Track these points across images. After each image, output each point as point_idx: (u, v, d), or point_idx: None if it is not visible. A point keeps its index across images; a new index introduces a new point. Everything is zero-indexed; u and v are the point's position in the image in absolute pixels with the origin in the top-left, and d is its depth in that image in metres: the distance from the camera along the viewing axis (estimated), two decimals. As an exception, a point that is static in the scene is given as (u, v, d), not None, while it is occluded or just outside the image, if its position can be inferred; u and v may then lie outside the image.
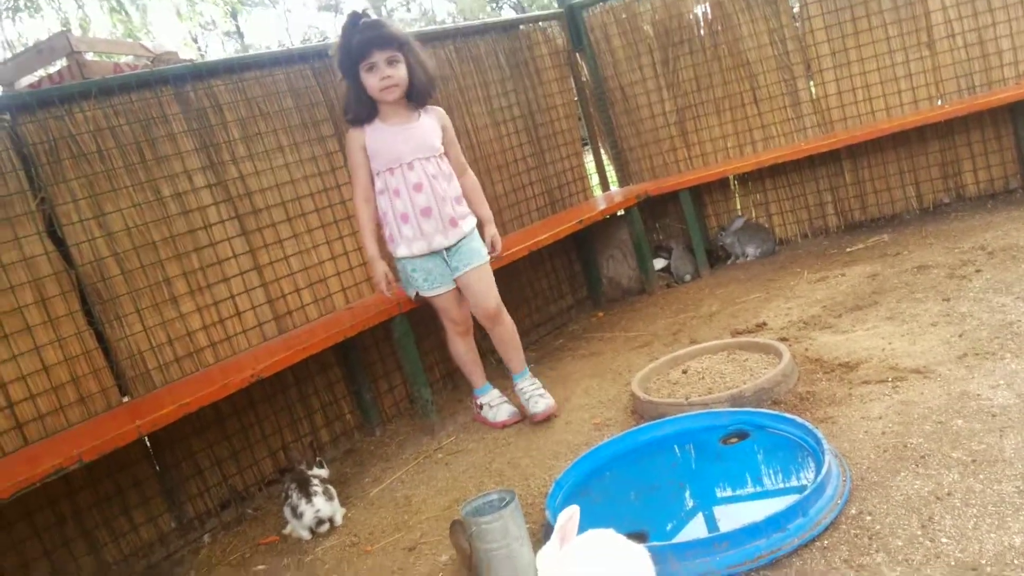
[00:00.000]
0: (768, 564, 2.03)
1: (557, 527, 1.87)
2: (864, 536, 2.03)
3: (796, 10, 5.06)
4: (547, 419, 3.35)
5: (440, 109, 3.34)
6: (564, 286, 5.12)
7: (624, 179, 5.64)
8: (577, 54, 5.46)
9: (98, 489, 3.09)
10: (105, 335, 3.19)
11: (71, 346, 3.08)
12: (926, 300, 3.54)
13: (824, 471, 2.21)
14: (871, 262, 4.35)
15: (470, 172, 3.44)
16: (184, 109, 3.46)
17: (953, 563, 1.84)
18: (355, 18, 3.05)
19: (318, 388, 3.78)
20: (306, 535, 2.93)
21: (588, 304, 5.22)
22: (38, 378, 2.99)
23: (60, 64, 3.88)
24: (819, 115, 5.10)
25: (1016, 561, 1.79)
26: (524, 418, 3.46)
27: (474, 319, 3.47)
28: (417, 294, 3.36)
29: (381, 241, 3.33)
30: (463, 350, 3.50)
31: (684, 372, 3.35)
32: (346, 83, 3.16)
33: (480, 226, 3.41)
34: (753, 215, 5.39)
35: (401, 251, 3.26)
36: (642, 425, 2.91)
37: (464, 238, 3.29)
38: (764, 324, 3.82)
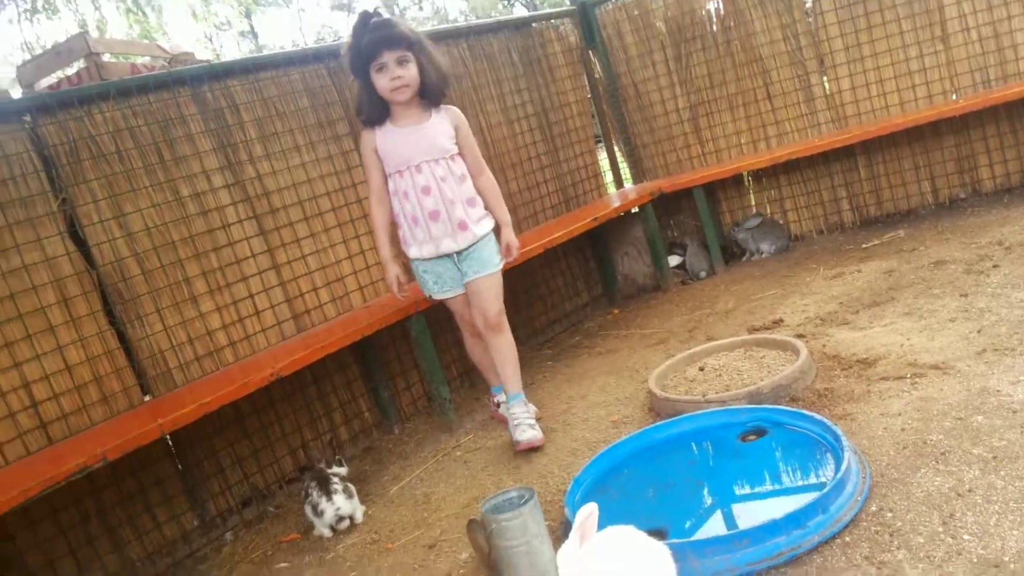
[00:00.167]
0: (788, 561, 2.03)
1: (576, 525, 1.88)
2: (885, 533, 2.04)
3: (809, 5, 5.04)
4: (530, 450, 3.16)
5: (455, 109, 3.25)
6: (579, 284, 5.13)
7: (638, 176, 5.64)
8: (590, 51, 5.46)
9: (121, 487, 3.12)
10: (126, 334, 3.22)
11: (93, 346, 3.12)
12: (943, 296, 3.53)
13: (844, 468, 2.21)
14: (887, 258, 4.34)
15: (488, 174, 3.32)
16: (201, 109, 3.49)
17: (975, 560, 1.84)
18: (365, 18, 3.00)
19: (336, 386, 3.80)
20: (327, 533, 2.95)
21: (603, 301, 5.22)
22: (61, 378, 3.03)
23: (78, 65, 3.91)
24: (833, 111, 5.09)
25: (1038, 557, 1.79)
26: (540, 418, 3.44)
27: None
28: (431, 295, 3.35)
29: (396, 241, 3.31)
30: (479, 351, 3.48)
31: (701, 369, 3.36)
32: (358, 84, 3.13)
33: (497, 229, 3.32)
34: (768, 211, 5.38)
35: (413, 252, 3.24)
36: (659, 423, 2.92)
37: (476, 243, 3.20)
38: (781, 321, 3.82)
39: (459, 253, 3.21)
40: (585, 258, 5.19)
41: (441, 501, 2.99)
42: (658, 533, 2.17)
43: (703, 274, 5.16)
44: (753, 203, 5.46)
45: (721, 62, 5.23)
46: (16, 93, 3.89)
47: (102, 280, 3.17)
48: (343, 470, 3.17)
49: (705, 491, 2.57)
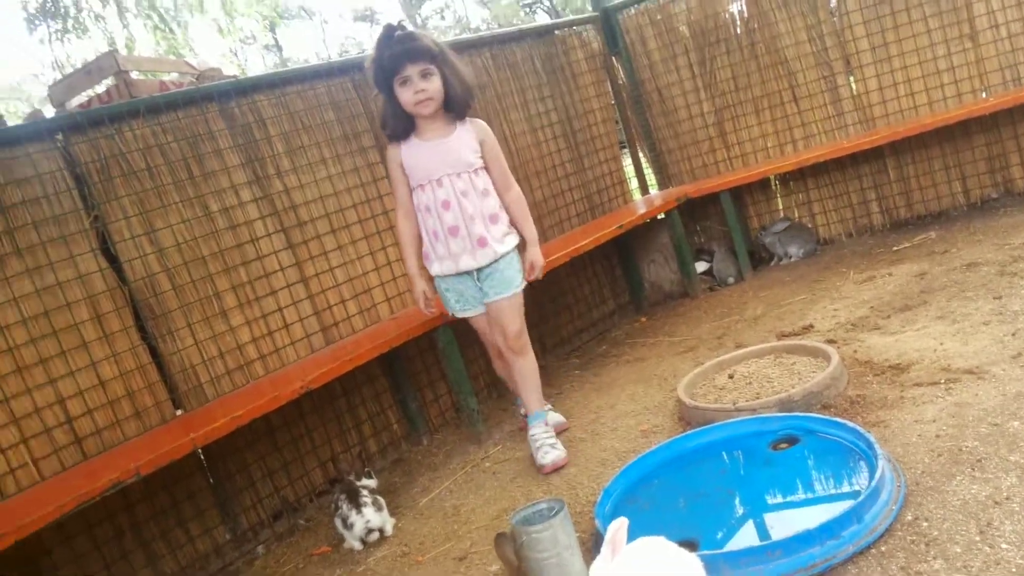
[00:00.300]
0: (822, 573, 2.01)
1: (607, 539, 1.87)
2: (921, 543, 2.01)
3: (833, 5, 4.99)
4: (555, 471, 3.10)
5: (482, 122, 3.20)
6: (606, 291, 5.11)
7: (663, 182, 5.62)
8: (613, 57, 5.45)
9: (154, 502, 3.16)
10: (158, 349, 3.26)
11: (126, 361, 3.16)
12: (977, 298, 3.47)
13: (878, 476, 2.18)
14: (919, 260, 4.28)
15: (516, 189, 3.24)
16: (229, 125, 3.53)
17: (1014, 569, 1.81)
18: (389, 31, 2.97)
19: (365, 398, 3.82)
20: (357, 545, 2.96)
21: (630, 309, 5.20)
22: (95, 393, 3.07)
23: (108, 83, 3.98)
24: (860, 111, 5.04)
25: (1080, 568, 1.76)
26: (567, 428, 3.43)
27: None
28: (453, 313, 3.32)
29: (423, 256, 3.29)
30: (503, 368, 3.47)
31: (730, 377, 3.33)
32: (383, 97, 3.10)
33: (522, 245, 3.26)
34: (796, 215, 5.34)
35: (434, 269, 3.20)
36: (689, 431, 2.90)
37: (497, 261, 3.12)
38: (811, 326, 3.78)
39: (479, 271, 3.14)
40: (611, 265, 5.17)
41: (471, 513, 2.99)
42: (689, 544, 2.16)
43: (731, 280, 5.12)
44: (780, 207, 5.42)
45: (746, 65, 5.20)
46: (48, 112, 3.96)
47: (134, 296, 3.21)
48: (372, 482, 3.18)
49: (736, 501, 2.54)
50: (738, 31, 5.19)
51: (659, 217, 5.05)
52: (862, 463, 2.40)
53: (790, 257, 5.15)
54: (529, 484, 3.07)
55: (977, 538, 1.95)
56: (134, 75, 4.00)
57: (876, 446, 2.32)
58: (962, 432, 2.44)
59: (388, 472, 3.69)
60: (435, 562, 2.71)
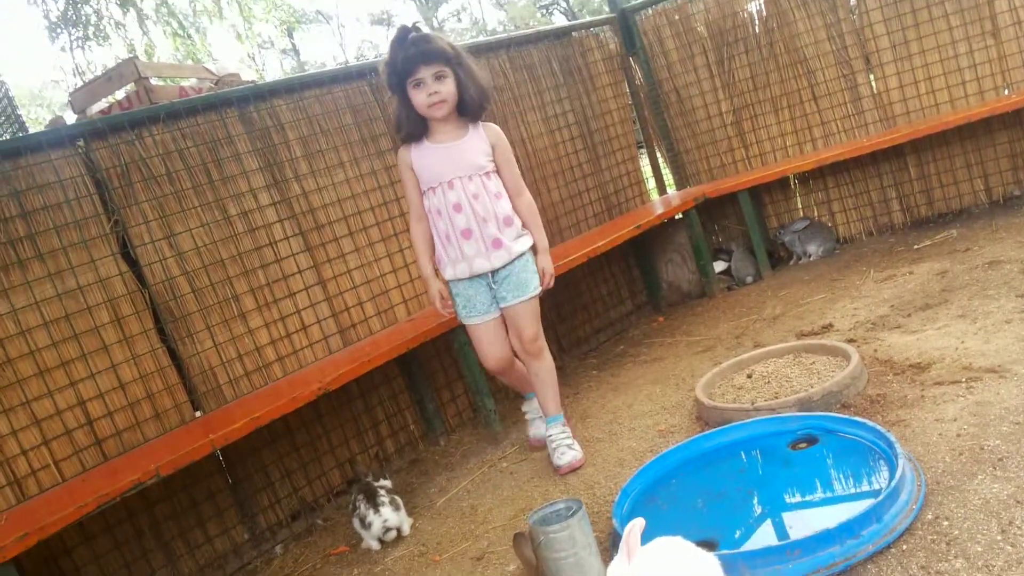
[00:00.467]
0: (842, 572, 1.99)
1: (623, 541, 1.86)
2: (941, 542, 1.99)
3: (853, 3, 4.96)
4: (571, 472, 3.10)
5: (494, 126, 3.14)
6: (623, 291, 5.10)
7: (681, 182, 5.60)
8: (630, 58, 5.44)
9: (174, 502, 3.18)
10: (177, 352, 3.29)
11: (146, 363, 3.19)
12: (999, 297, 3.43)
13: (898, 475, 2.16)
14: (940, 259, 4.24)
15: (527, 195, 3.18)
16: (248, 129, 3.55)
17: (1037, 570, 1.78)
18: (403, 32, 2.94)
19: (383, 399, 3.83)
20: (375, 545, 2.97)
21: (648, 309, 5.19)
22: (115, 395, 3.10)
23: (128, 90, 4.02)
24: (880, 110, 5.00)
25: (1105, 567, 1.73)
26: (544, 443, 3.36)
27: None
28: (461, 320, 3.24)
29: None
30: (504, 380, 3.45)
31: (749, 376, 3.31)
32: (396, 100, 3.05)
33: (533, 252, 3.20)
34: (815, 214, 5.30)
35: (448, 273, 3.13)
36: (708, 431, 2.88)
37: (513, 262, 3.08)
38: (830, 325, 3.75)
39: (494, 273, 3.09)
40: (629, 266, 5.16)
41: (488, 513, 2.99)
42: (708, 544, 2.15)
43: (749, 279, 5.09)
44: (800, 206, 5.38)
45: (764, 64, 5.18)
46: (70, 118, 4.01)
47: (154, 299, 3.24)
48: (387, 483, 3.19)
49: (755, 501, 2.53)
50: (756, 30, 5.17)
51: (677, 217, 5.03)
52: (882, 462, 2.38)
53: (809, 256, 5.12)
54: (547, 484, 3.07)
55: (999, 537, 1.93)
56: (154, 81, 4.03)
57: (896, 445, 2.30)
58: (983, 431, 2.41)
59: (405, 472, 3.70)
60: (452, 562, 2.71)
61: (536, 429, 3.44)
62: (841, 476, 2.51)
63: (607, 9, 5.63)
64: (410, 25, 2.98)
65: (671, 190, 5.66)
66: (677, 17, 5.30)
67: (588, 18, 5.38)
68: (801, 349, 3.41)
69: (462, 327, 3.51)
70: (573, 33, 5.12)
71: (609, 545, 2.43)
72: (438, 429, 3.93)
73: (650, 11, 5.35)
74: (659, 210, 4.83)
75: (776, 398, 3.00)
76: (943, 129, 4.59)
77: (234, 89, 3.63)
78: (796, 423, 2.73)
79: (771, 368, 3.32)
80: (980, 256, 4.04)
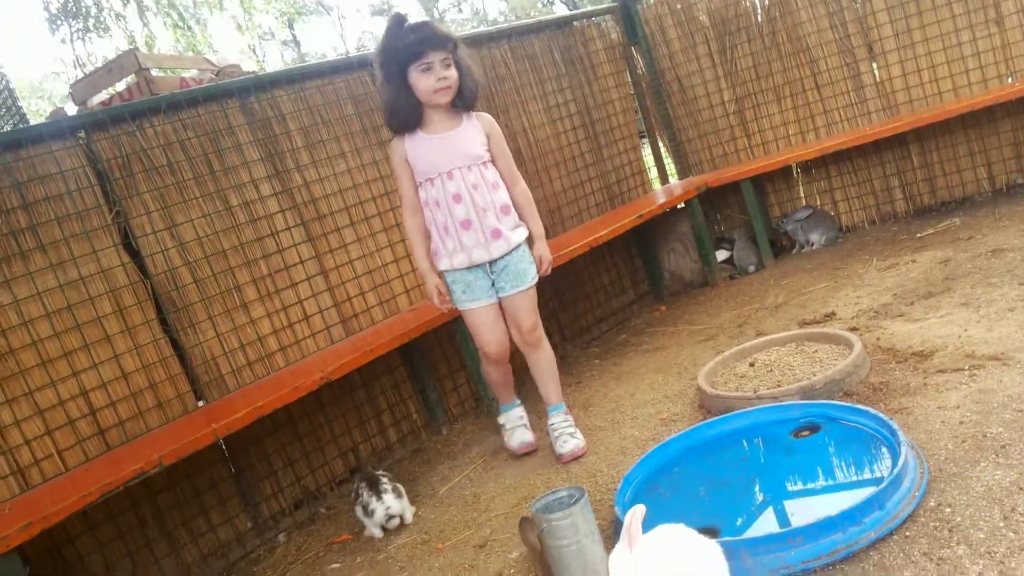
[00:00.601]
0: (845, 559, 1.99)
1: (624, 529, 1.87)
2: (944, 529, 1.99)
3: (856, -10, 4.94)
4: (574, 460, 3.11)
5: (488, 116, 3.13)
6: (625, 281, 5.10)
7: (683, 171, 5.59)
8: (632, 47, 5.43)
9: (177, 491, 3.19)
10: (180, 342, 3.29)
11: (148, 354, 3.19)
12: (1002, 285, 3.43)
13: (901, 463, 2.16)
14: (942, 247, 4.23)
15: (522, 184, 3.17)
16: (249, 120, 3.55)
17: (1039, 556, 1.78)
18: (400, 19, 2.91)
19: (385, 388, 3.83)
20: (378, 533, 2.98)
21: (650, 298, 5.19)
22: (118, 385, 3.10)
23: (129, 81, 4.01)
24: (883, 98, 4.98)
25: (1107, 553, 1.73)
26: (535, 448, 3.31)
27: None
28: (456, 306, 3.17)
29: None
30: (493, 372, 3.30)
31: (751, 365, 3.31)
32: (390, 88, 2.96)
33: (529, 241, 3.19)
34: (818, 202, 5.29)
35: (443, 264, 3.08)
36: (710, 420, 2.88)
37: (511, 253, 3.07)
38: (833, 314, 3.75)
39: (492, 264, 3.08)
40: (631, 255, 5.16)
41: (490, 501, 3.00)
42: (710, 531, 2.15)
43: (752, 268, 5.09)
44: (802, 195, 5.37)
45: (767, 53, 5.16)
46: (71, 110, 4.00)
47: (156, 289, 3.24)
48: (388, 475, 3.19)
49: (757, 488, 2.53)
50: (759, 19, 5.15)
51: (679, 206, 5.02)
52: (884, 450, 2.38)
53: (812, 245, 5.11)
54: (549, 472, 3.07)
55: (1001, 524, 1.93)
56: (155, 72, 4.02)
57: (899, 433, 2.30)
58: (986, 418, 2.41)
59: (408, 461, 3.70)
60: (455, 549, 2.72)
61: (519, 436, 3.33)
62: (843, 464, 2.50)
63: (608, -2, 5.60)
64: (404, 13, 2.96)
65: (673, 179, 5.65)
66: (679, 6, 5.29)
67: (590, 7, 5.35)
68: (803, 337, 3.41)
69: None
70: (575, 22, 5.10)
71: (611, 533, 2.43)
72: (440, 418, 3.93)
73: (652, 0, 5.33)
74: (661, 199, 4.83)
75: (778, 386, 3.00)
76: (946, 117, 4.57)
77: (235, 80, 3.62)
78: (798, 411, 2.73)
79: (773, 356, 3.31)
80: (983, 244, 4.03)
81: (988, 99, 4.44)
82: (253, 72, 4.17)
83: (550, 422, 3.23)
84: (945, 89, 4.81)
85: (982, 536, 1.91)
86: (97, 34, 11.30)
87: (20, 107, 5.69)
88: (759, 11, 5.14)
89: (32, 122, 3.38)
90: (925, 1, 4.74)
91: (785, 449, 2.67)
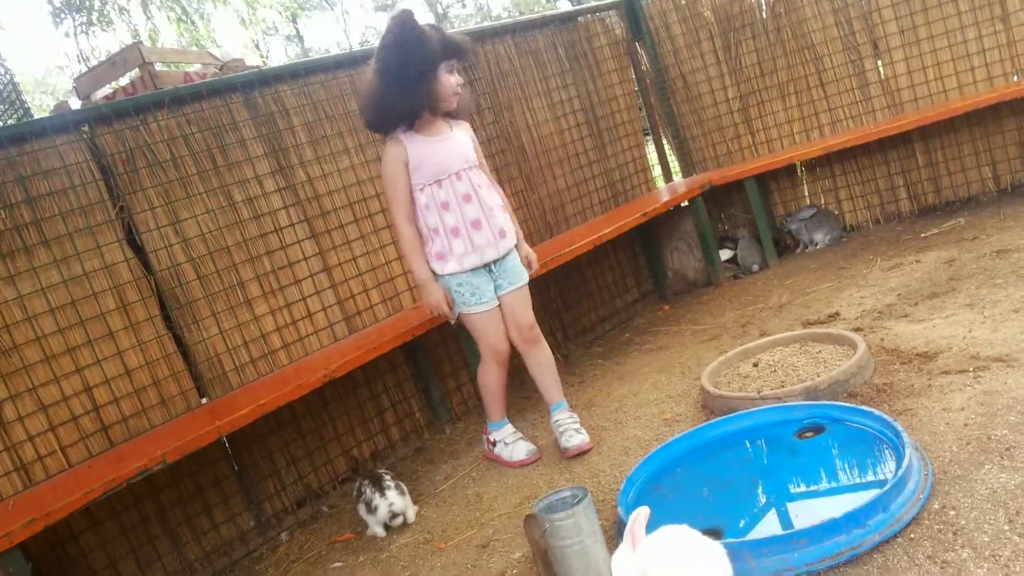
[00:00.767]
0: (848, 561, 1.99)
1: (627, 529, 1.86)
2: (948, 531, 1.98)
3: (861, -12, 4.93)
4: (579, 456, 3.13)
5: (465, 122, 3.19)
6: (629, 280, 5.09)
7: (687, 169, 5.57)
8: (636, 43, 5.41)
9: (180, 489, 3.19)
10: (183, 339, 3.29)
11: (151, 350, 3.19)
12: (1007, 285, 3.41)
13: (905, 465, 2.16)
14: (947, 247, 4.22)
15: (498, 186, 3.24)
16: (253, 115, 3.54)
17: (1044, 560, 1.78)
18: (414, 18, 2.89)
19: (388, 386, 3.83)
20: (380, 532, 2.98)
21: (653, 297, 5.18)
22: (121, 382, 3.11)
23: (132, 75, 4.00)
24: (888, 96, 4.96)
25: (1112, 558, 1.72)
26: (541, 455, 3.26)
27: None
28: (459, 316, 3.14)
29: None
30: (494, 378, 3.24)
31: (755, 365, 3.30)
32: (399, 84, 2.87)
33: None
34: (822, 201, 5.28)
35: (451, 267, 3.04)
36: (713, 420, 2.88)
37: (510, 252, 3.15)
38: (837, 314, 3.74)
39: (496, 263, 3.11)
40: (634, 254, 5.15)
41: (493, 501, 3.00)
42: (713, 532, 2.15)
43: (756, 267, 5.08)
44: (806, 193, 5.36)
45: (772, 50, 5.14)
46: (74, 104, 4.00)
47: (159, 285, 3.24)
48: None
49: (761, 489, 2.52)
50: (764, 15, 5.13)
51: (683, 205, 5.01)
52: (888, 452, 2.38)
53: (816, 244, 5.10)
54: (552, 472, 3.07)
55: (1006, 527, 1.92)
56: (158, 67, 4.02)
57: (903, 434, 2.29)
58: (991, 420, 2.40)
59: (410, 460, 3.70)
60: (458, 549, 2.72)
61: (524, 447, 3.28)
62: (847, 465, 2.50)
63: (613, -6, 5.59)
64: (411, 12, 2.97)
65: (677, 177, 5.64)
66: (684, 2, 5.27)
67: (594, 3, 5.33)
68: (807, 338, 3.40)
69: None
70: (579, 18, 5.09)
71: (614, 533, 2.43)
72: (443, 417, 3.93)
73: (657, -4, 5.32)
74: (665, 197, 4.81)
75: (782, 387, 2.99)
76: (951, 116, 4.56)
77: (239, 74, 3.61)
78: (802, 412, 2.72)
79: (777, 357, 3.31)
80: (988, 244, 4.01)
81: (993, 97, 4.42)
82: (257, 67, 4.17)
83: (555, 419, 3.23)
84: (950, 87, 4.79)
85: (986, 539, 1.90)
86: (101, 28, 11.29)
87: (24, 101, 5.68)
88: (764, 7, 5.12)
89: (36, 116, 3.38)
90: (931, -1, 4.72)
91: (789, 450, 2.66)
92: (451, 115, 3.11)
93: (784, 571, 2.01)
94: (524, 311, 3.18)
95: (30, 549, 2.67)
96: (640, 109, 5.47)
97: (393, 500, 2.95)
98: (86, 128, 3.15)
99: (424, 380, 3.90)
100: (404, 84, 2.89)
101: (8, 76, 5.56)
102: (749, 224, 5.27)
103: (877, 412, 2.49)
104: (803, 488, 2.48)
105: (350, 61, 3.91)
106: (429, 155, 3.00)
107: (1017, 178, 4.79)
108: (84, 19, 11.18)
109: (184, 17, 12.01)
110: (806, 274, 4.61)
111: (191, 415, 3.17)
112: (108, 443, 3.05)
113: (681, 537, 1.90)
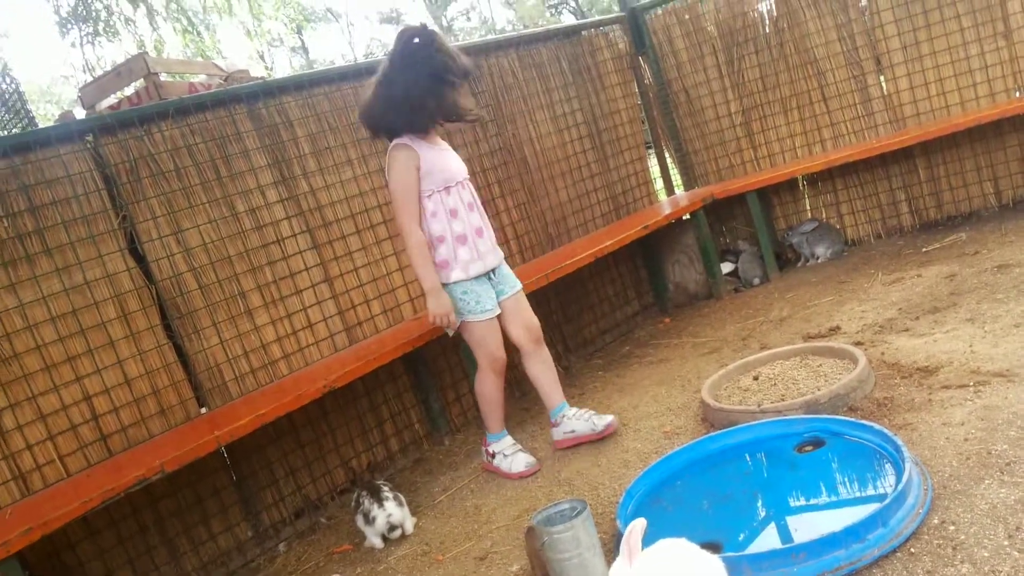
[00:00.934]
0: (848, 575, 1.98)
1: (623, 542, 1.86)
2: (947, 547, 1.97)
3: (864, 3, 4.93)
4: (612, 433, 3.28)
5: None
6: (630, 292, 5.09)
7: (689, 182, 5.58)
8: (640, 57, 5.43)
9: (178, 498, 3.19)
10: (184, 348, 3.29)
11: (152, 359, 3.19)
12: (1008, 300, 3.41)
13: (905, 479, 2.15)
14: (948, 262, 4.21)
15: None
16: (257, 126, 3.55)
17: (1044, 576, 1.77)
18: (434, 34, 3.04)
19: (388, 397, 3.83)
20: (378, 543, 2.97)
21: (654, 310, 5.18)
22: (121, 391, 3.11)
23: (137, 85, 4.02)
24: (891, 111, 4.97)
25: (1113, 575, 1.71)
26: (540, 467, 3.25)
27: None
28: (460, 325, 3.14)
29: None
30: (493, 388, 3.24)
31: (755, 379, 3.30)
32: (420, 87, 2.94)
33: None
34: (824, 215, 5.28)
35: (456, 275, 3.07)
36: (713, 433, 2.87)
37: (502, 260, 3.27)
38: (838, 328, 3.74)
39: (494, 270, 3.21)
40: (636, 266, 5.15)
41: (491, 513, 2.99)
42: (713, 546, 2.14)
43: (756, 281, 5.07)
44: (808, 207, 5.36)
45: (774, 64, 5.16)
46: (79, 114, 4.01)
47: (160, 295, 3.24)
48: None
49: (760, 503, 2.52)
50: (767, 30, 5.15)
51: (684, 218, 5.02)
52: (888, 466, 2.37)
53: (817, 258, 5.10)
54: (550, 485, 3.06)
55: (1005, 543, 1.91)
56: (163, 77, 4.04)
57: (903, 449, 2.29)
58: (991, 435, 2.39)
59: (409, 471, 3.69)
60: (456, 561, 2.71)
61: (524, 459, 3.27)
62: (847, 479, 2.49)
63: (616, 8, 5.61)
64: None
65: (679, 190, 5.64)
66: (687, 16, 5.29)
67: (597, 17, 5.36)
68: (808, 351, 3.39)
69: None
70: (582, 32, 5.11)
71: (613, 546, 2.42)
72: (443, 428, 3.92)
73: (660, 10, 5.34)
74: (667, 210, 4.82)
75: (782, 400, 2.99)
76: (953, 131, 4.57)
77: (243, 85, 3.63)
78: (802, 426, 2.72)
79: (778, 370, 3.30)
80: (989, 259, 4.01)
81: (995, 113, 4.43)
82: (261, 78, 4.19)
83: (570, 412, 3.33)
84: (952, 103, 4.80)
85: (986, 555, 1.89)
86: (107, 38, 11.34)
87: (29, 110, 5.70)
88: (767, 22, 5.14)
89: (41, 126, 3.40)
90: (933, 14, 4.73)
91: (789, 464, 2.65)
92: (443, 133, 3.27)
93: (783, 585, 2.00)
94: (528, 312, 3.29)
95: (27, 558, 2.66)
96: (643, 122, 5.49)
97: (391, 511, 2.94)
98: (90, 138, 3.16)
99: (424, 391, 3.90)
100: (441, 88, 2.99)
101: (14, 85, 5.58)
102: (751, 237, 5.27)
103: (877, 426, 2.49)
104: (803, 502, 2.47)
105: (354, 73, 3.92)
106: (437, 162, 3.07)
107: (1018, 193, 4.79)
108: (90, 29, 11.24)
109: (190, 28, 12.07)
110: (807, 288, 4.60)
111: (190, 425, 3.17)
112: (107, 452, 3.05)
113: (679, 551, 1.89)
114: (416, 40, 2.99)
